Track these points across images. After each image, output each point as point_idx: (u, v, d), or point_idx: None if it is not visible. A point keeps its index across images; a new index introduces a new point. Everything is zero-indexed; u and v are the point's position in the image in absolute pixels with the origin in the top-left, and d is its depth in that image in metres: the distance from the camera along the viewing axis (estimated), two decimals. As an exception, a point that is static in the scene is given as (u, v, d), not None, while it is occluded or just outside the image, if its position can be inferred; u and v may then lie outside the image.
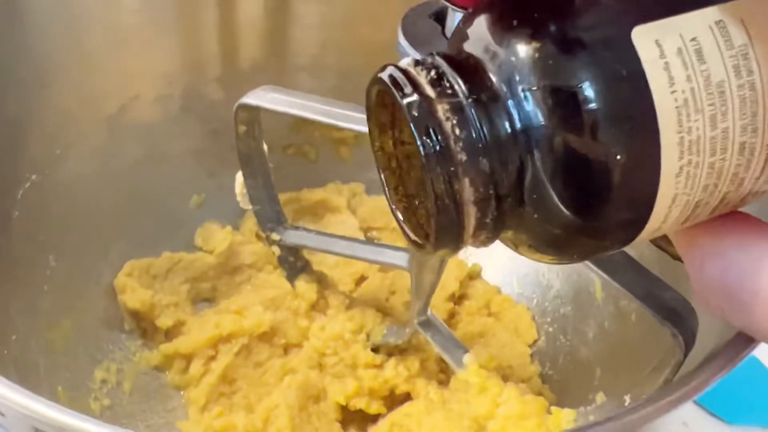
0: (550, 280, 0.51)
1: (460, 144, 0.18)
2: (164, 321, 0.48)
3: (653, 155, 0.17)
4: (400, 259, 0.41)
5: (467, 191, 0.18)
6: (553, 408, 0.40)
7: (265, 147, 0.43)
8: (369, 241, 0.46)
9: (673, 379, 0.32)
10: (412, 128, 0.18)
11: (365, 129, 0.35)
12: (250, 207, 0.45)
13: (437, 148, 0.18)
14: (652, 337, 0.35)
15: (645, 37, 0.17)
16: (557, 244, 0.20)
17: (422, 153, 0.18)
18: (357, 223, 0.55)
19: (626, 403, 0.35)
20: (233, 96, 0.40)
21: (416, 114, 0.18)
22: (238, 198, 0.45)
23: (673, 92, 0.17)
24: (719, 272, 0.20)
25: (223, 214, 0.53)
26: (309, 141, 0.56)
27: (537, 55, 0.18)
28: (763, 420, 0.51)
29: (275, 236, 0.46)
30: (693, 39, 0.17)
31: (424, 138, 0.18)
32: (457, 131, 0.18)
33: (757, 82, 0.17)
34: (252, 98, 0.39)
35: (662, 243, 0.25)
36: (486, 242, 0.20)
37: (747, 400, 0.52)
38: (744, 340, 0.26)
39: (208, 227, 0.53)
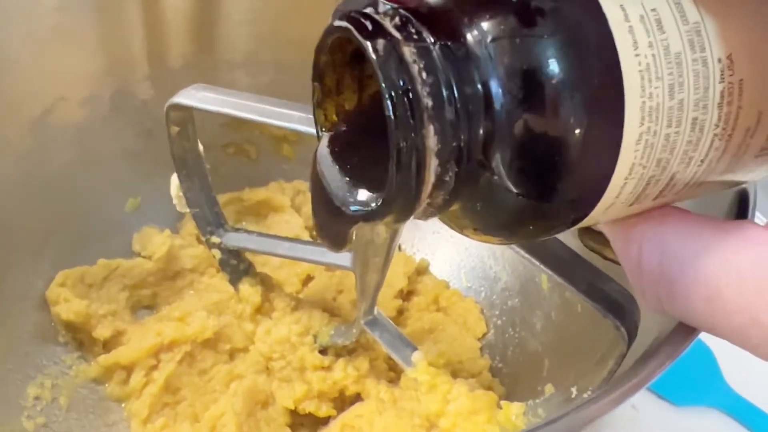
0: (497, 272, 0.51)
1: (427, 89, 0.17)
2: (102, 332, 0.46)
3: (618, 116, 0.17)
4: (344, 259, 0.40)
5: (431, 140, 0.17)
6: (503, 402, 0.40)
7: (201, 147, 0.42)
8: (312, 241, 0.45)
9: (617, 370, 0.32)
10: (378, 70, 0.17)
11: (301, 127, 0.34)
12: (188, 210, 0.44)
13: (403, 91, 0.17)
14: (597, 328, 0.35)
15: (611, 1, 0.17)
16: (511, 217, 0.19)
17: (387, 96, 0.17)
18: (302, 222, 0.54)
19: (573, 395, 0.35)
20: (165, 95, 0.38)
21: (382, 55, 0.17)
22: (175, 201, 0.43)
23: (636, 56, 0.17)
24: (658, 260, 0.20)
25: (161, 217, 0.52)
26: (249, 139, 0.55)
27: (505, 6, 0.17)
28: (710, 401, 0.52)
29: (215, 239, 0.45)
30: (653, 9, 0.17)
31: (391, 80, 0.17)
32: (424, 75, 0.17)
33: (709, 59, 0.18)
34: (183, 98, 0.37)
35: (595, 242, 0.24)
36: (438, 208, 0.19)
37: (693, 382, 0.53)
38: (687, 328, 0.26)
39: (146, 232, 0.51)
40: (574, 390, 0.35)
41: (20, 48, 0.42)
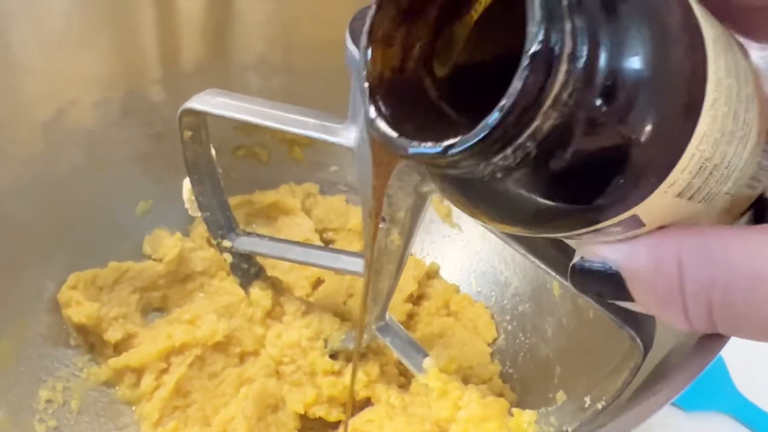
0: (508, 277, 0.51)
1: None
2: (113, 334, 0.46)
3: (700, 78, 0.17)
4: (356, 264, 0.40)
5: (568, 36, 0.16)
6: (514, 409, 0.40)
7: (213, 152, 0.42)
8: (324, 246, 0.45)
9: (631, 381, 0.32)
10: None
11: (315, 134, 0.34)
12: (200, 214, 0.44)
13: None
14: (611, 337, 0.35)
15: None
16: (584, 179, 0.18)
17: None
18: (312, 225, 0.54)
19: (586, 405, 0.35)
20: (177, 98, 0.38)
21: None
22: (187, 205, 0.43)
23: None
24: (707, 265, 0.19)
25: (172, 220, 0.52)
26: (260, 142, 0.55)
27: None
28: (719, 406, 0.52)
29: (227, 243, 0.45)
30: None
31: None
32: None
33: None
34: (197, 103, 0.37)
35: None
36: (508, 167, 0.17)
37: (703, 387, 0.52)
38: (713, 340, 0.26)
39: (157, 234, 0.51)
40: (587, 399, 0.35)
41: (32, 50, 0.42)
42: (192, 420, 0.45)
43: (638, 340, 0.29)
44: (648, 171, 0.17)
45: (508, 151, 0.17)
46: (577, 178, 0.17)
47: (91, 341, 0.46)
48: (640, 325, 0.29)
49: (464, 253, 0.54)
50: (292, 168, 0.55)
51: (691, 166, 0.18)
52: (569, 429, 0.36)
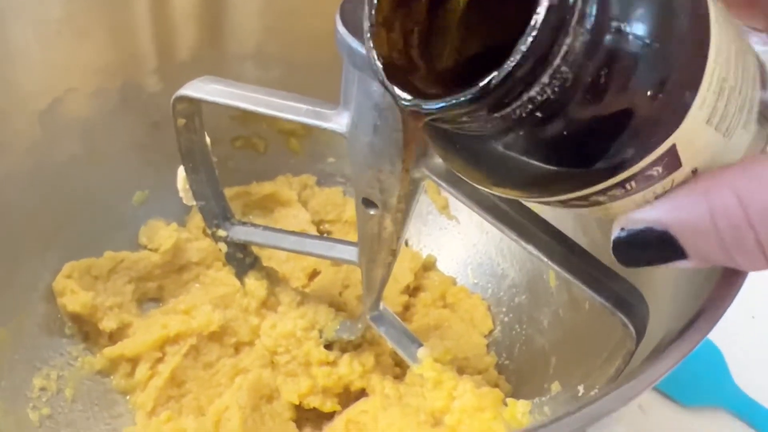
0: (504, 269, 0.51)
1: None
2: (108, 324, 0.46)
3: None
4: (351, 254, 0.39)
5: None
6: (509, 399, 0.40)
7: (208, 140, 0.42)
8: (319, 235, 0.45)
9: (624, 368, 0.31)
10: None
11: (309, 120, 0.34)
12: (195, 203, 0.44)
13: None
14: (604, 326, 0.35)
15: None
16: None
17: None
18: (308, 217, 0.54)
19: (580, 393, 0.34)
20: (174, 88, 0.38)
21: None
22: (181, 194, 0.43)
23: None
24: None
25: (168, 210, 0.51)
26: (257, 133, 0.55)
27: None
28: (718, 401, 0.51)
29: (222, 233, 0.45)
30: None
31: None
32: None
33: None
34: (190, 90, 0.37)
35: None
36: (520, 118, 0.17)
37: (702, 382, 0.52)
38: (701, 325, 0.26)
39: (153, 224, 0.51)
40: (581, 388, 0.34)
41: (29, 40, 0.42)
42: (186, 409, 0.45)
43: (630, 327, 0.29)
44: (681, 82, 0.18)
45: (545, 78, 0.17)
46: (614, 106, 0.17)
47: (86, 330, 0.46)
48: (633, 311, 0.29)
49: (461, 244, 0.54)
50: (289, 159, 0.55)
51: (713, 83, 0.18)
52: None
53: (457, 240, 0.54)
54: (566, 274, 0.29)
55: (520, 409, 0.39)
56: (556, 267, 0.29)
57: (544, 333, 0.46)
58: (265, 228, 0.44)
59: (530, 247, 0.30)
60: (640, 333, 0.29)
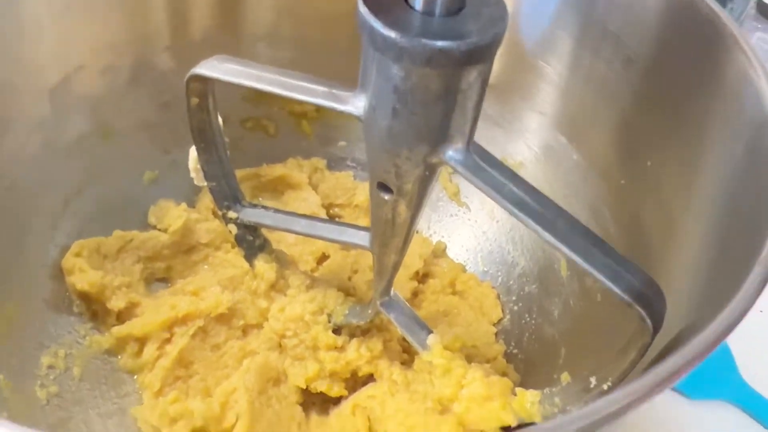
0: (515, 258, 0.50)
1: None
2: (116, 303, 0.46)
3: None
4: (362, 238, 0.39)
5: None
6: (518, 389, 0.40)
7: (220, 120, 0.41)
8: (330, 219, 0.44)
9: (638, 361, 0.31)
10: None
11: (322, 101, 0.33)
12: (205, 183, 0.43)
13: None
14: (617, 317, 0.34)
15: None
16: None
17: None
18: (318, 200, 0.53)
19: (591, 385, 0.34)
20: (185, 67, 0.37)
21: None
22: (192, 174, 0.43)
23: None
24: None
25: (177, 190, 0.51)
26: (268, 115, 0.54)
27: None
28: (724, 395, 0.51)
29: (232, 214, 0.44)
30: None
31: None
32: None
33: None
34: (204, 68, 0.36)
35: None
36: None
37: (709, 376, 0.52)
38: (724, 325, 0.25)
39: (162, 205, 0.51)
40: (593, 380, 0.34)
41: (40, 15, 0.41)
42: (194, 390, 0.45)
43: (648, 320, 0.28)
44: None
45: None
46: None
47: (94, 309, 0.46)
48: (651, 304, 0.29)
49: (471, 232, 0.53)
50: (300, 142, 0.55)
51: None
52: (573, 410, 0.35)
53: (468, 227, 0.54)
54: (585, 265, 0.29)
55: (530, 398, 0.38)
56: (575, 257, 0.29)
57: (554, 323, 0.45)
58: (276, 210, 0.44)
59: (548, 236, 0.30)
60: (657, 326, 0.29)
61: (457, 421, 0.41)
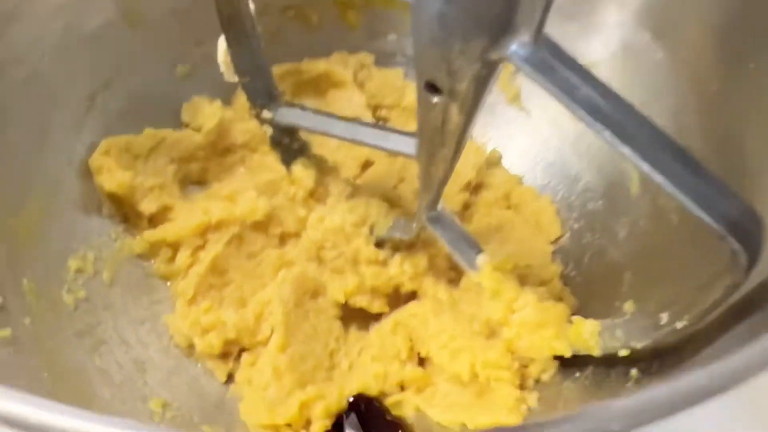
0: (579, 170, 0.45)
1: None
2: (147, 206, 0.43)
3: None
4: (408, 145, 0.35)
5: None
6: (575, 317, 0.36)
7: (252, 6, 0.36)
8: (374, 123, 0.40)
9: (724, 301, 0.27)
10: None
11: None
12: (236, 79, 0.39)
13: None
14: (699, 244, 0.30)
15: None
16: None
17: None
18: (364, 100, 0.49)
19: (662, 322, 0.30)
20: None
21: None
22: (222, 68, 0.39)
23: None
24: None
25: (213, 87, 0.47)
26: (311, 3, 0.49)
27: None
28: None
29: (267, 114, 0.41)
30: None
31: None
32: None
33: None
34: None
35: None
36: None
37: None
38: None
39: (196, 102, 0.47)
40: (664, 316, 0.30)
41: None
42: (228, 300, 0.43)
43: (743, 255, 0.24)
44: None
45: None
46: None
47: (125, 212, 0.44)
48: (748, 236, 0.24)
49: (531, 140, 0.48)
50: (346, 35, 0.50)
51: None
52: (638, 346, 0.32)
53: (527, 135, 0.48)
54: (671, 187, 0.24)
55: (588, 328, 0.35)
56: (658, 178, 0.24)
57: (619, 245, 0.41)
58: (315, 111, 0.40)
59: (627, 150, 0.25)
60: (753, 263, 0.24)
61: (506, 347, 0.38)
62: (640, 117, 0.24)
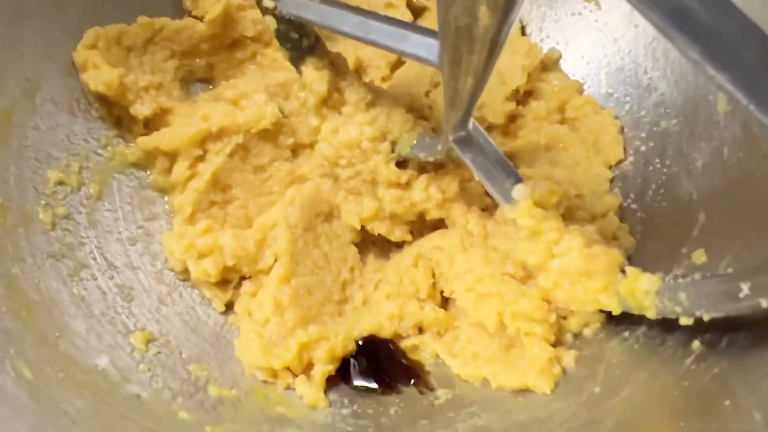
0: (654, 79, 0.37)
1: None
2: (140, 108, 0.38)
3: None
4: (429, 49, 0.27)
5: None
6: (630, 269, 0.29)
7: None
8: (391, 18, 0.32)
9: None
10: None
11: None
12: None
13: None
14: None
15: None
16: None
17: None
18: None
19: (742, 294, 0.24)
20: None
21: None
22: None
23: None
24: None
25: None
26: None
27: None
28: None
29: (268, 2, 0.33)
30: None
31: None
32: None
33: None
34: None
35: None
36: None
37: None
38: None
39: (199, -16, 0.40)
40: (744, 287, 0.23)
41: None
42: (231, 219, 0.38)
43: None
44: None
45: None
46: None
47: (117, 114, 0.39)
48: None
49: (598, 39, 0.40)
50: None
51: None
52: (705, 317, 0.25)
53: (594, 32, 0.40)
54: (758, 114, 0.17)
55: (644, 285, 0.28)
56: (746, 100, 0.17)
57: (695, 177, 0.33)
58: (324, 1, 0.32)
59: (720, 77, 0.17)
60: None
61: (542, 296, 0.32)
62: (748, 27, 0.17)
